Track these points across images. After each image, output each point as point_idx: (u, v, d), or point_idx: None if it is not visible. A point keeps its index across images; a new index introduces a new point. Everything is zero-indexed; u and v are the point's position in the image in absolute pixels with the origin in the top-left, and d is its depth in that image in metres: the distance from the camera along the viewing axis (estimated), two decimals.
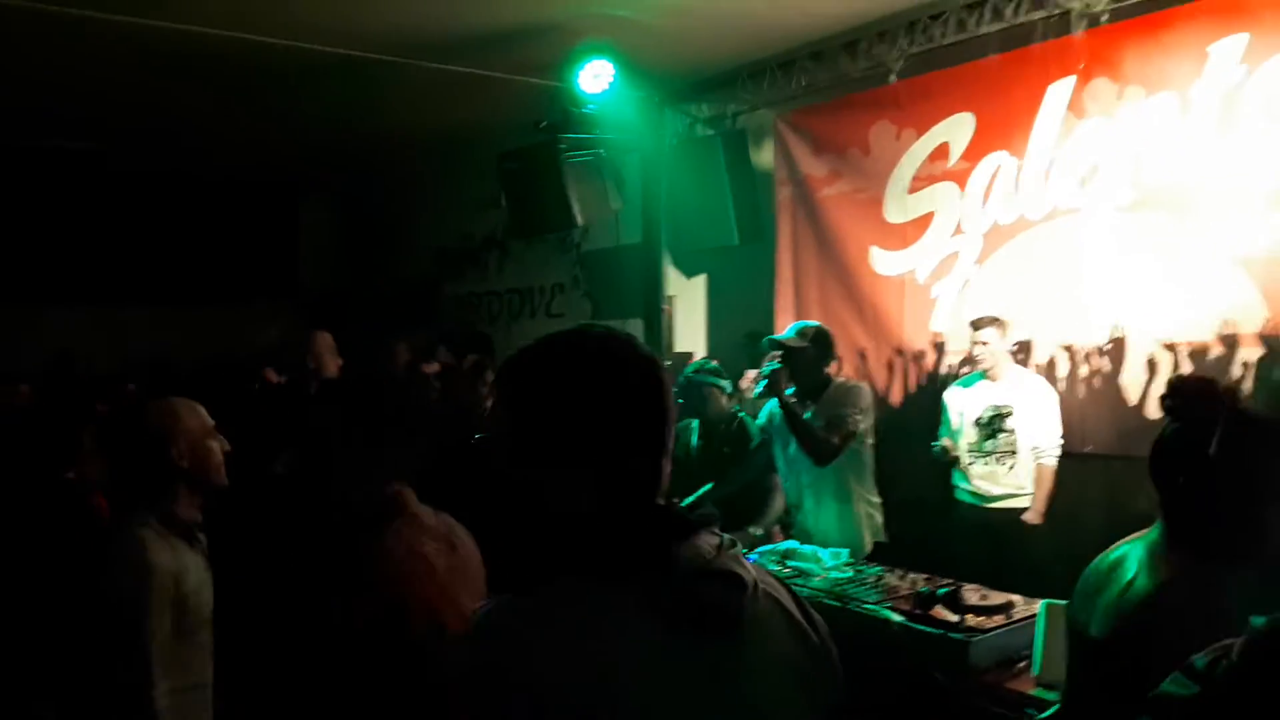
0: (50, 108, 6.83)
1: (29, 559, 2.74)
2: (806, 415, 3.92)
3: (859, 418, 3.88)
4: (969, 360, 4.79)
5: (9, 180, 8.06)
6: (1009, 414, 4.51)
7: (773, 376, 3.91)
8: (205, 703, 2.28)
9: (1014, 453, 4.52)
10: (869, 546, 3.96)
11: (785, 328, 5.87)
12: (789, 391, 3.91)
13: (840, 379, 4.14)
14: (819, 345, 4.04)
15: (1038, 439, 4.49)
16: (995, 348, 4.54)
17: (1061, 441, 4.52)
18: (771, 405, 4.09)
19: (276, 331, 6.24)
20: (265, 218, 10.16)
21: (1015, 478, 4.53)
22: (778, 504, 4.31)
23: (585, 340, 1.23)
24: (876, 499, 4.09)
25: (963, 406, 4.66)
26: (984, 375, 4.62)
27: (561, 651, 1.07)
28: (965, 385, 4.71)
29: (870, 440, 4.09)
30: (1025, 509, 4.50)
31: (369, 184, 9.92)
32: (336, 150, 8.52)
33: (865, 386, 4.15)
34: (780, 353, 3.96)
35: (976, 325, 4.59)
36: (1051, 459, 4.50)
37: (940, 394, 4.87)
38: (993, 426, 4.54)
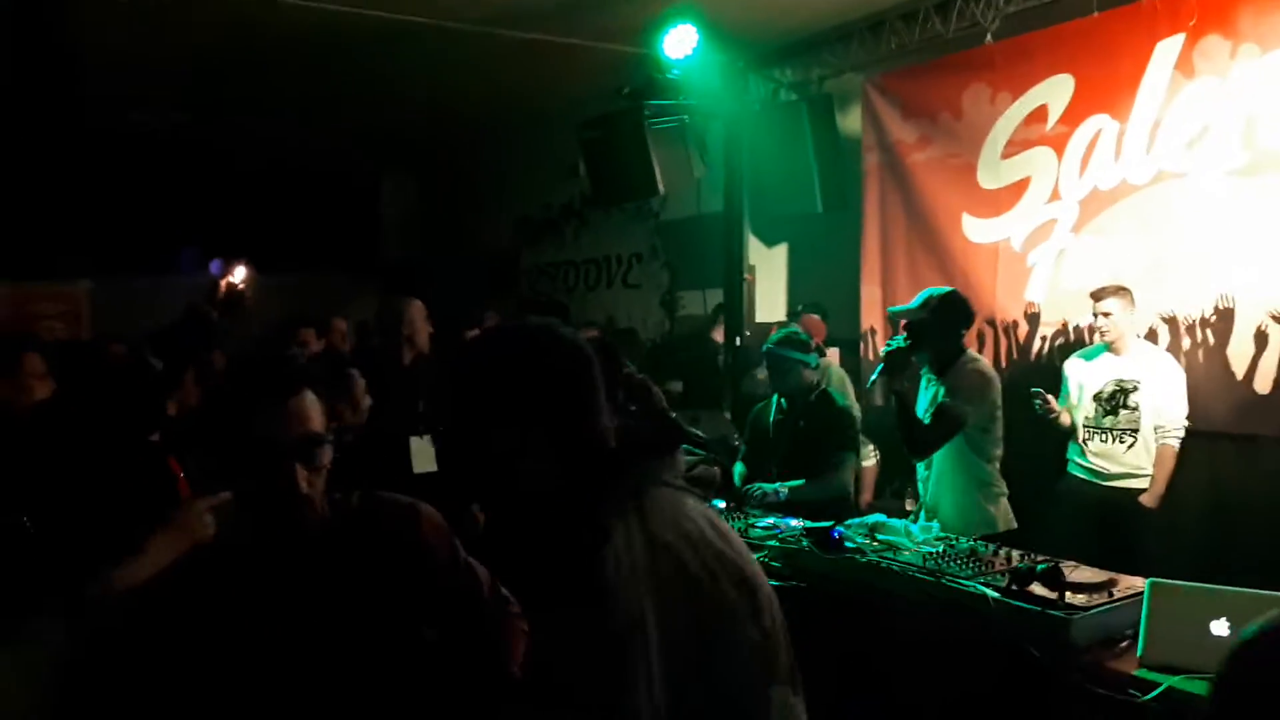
0: (140, 85, 7.00)
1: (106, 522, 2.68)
2: (932, 390, 3.84)
3: (968, 409, 3.72)
4: (1066, 331, 4.62)
5: (104, 158, 8.32)
6: (1134, 389, 4.24)
7: (890, 358, 3.79)
8: None
9: (1136, 431, 4.25)
10: (978, 532, 3.74)
11: (871, 298, 5.81)
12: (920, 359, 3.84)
13: (971, 357, 3.92)
14: (943, 314, 3.87)
15: (1162, 418, 4.22)
16: (1118, 319, 4.24)
17: (1187, 423, 4.25)
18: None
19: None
20: (348, 188, 10.32)
21: (1134, 457, 4.26)
22: (833, 480, 4.14)
23: (521, 328, 1.47)
24: (1000, 488, 3.91)
25: (1083, 378, 4.39)
26: (1108, 348, 4.34)
27: None
28: (1088, 358, 4.44)
29: (995, 428, 3.90)
30: (1142, 490, 4.24)
31: (450, 154, 10.00)
32: (418, 120, 8.59)
33: (987, 372, 3.91)
34: (905, 326, 3.87)
35: (1098, 296, 4.29)
36: (1175, 440, 4.23)
37: (1045, 364, 4.72)
38: (1115, 402, 4.28)
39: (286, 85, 7.14)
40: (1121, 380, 4.28)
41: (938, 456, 3.86)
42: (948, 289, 3.99)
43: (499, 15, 5.58)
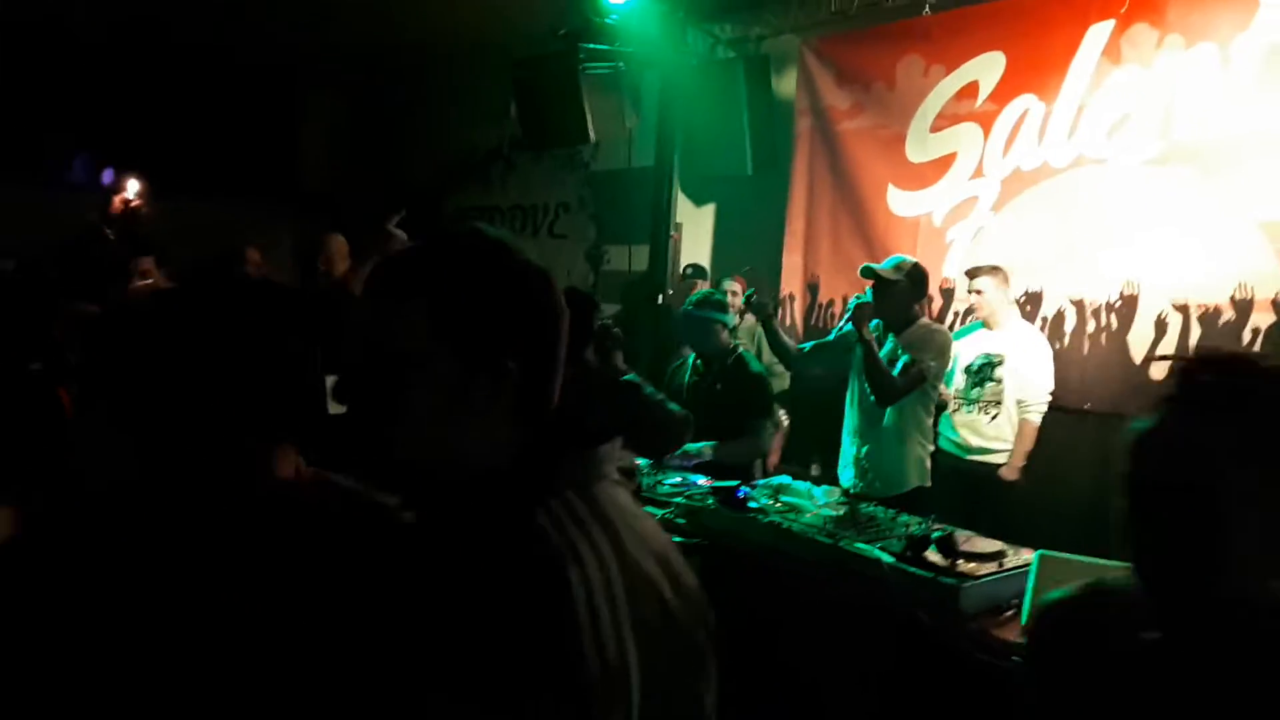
0: None
1: None
2: (886, 347, 3.90)
3: (932, 363, 3.82)
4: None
5: None
6: (999, 363, 4.41)
7: (859, 308, 3.86)
8: None
9: (999, 403, 4.42)
10: (911, 486, 3.95)
11: (792, 265, 5.83)
12: (873, 324, 3.88)
13: (924, 320, 4.05)
14: (913, 281, 3.95)
15: (1025, 392, 4.39)
16: (990, 297, 4.41)
17: (1049, 398, 4.44)
18: (847, 329, 4.06)
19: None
20: (268, 106, 9.86)
21: (996, 428, 4.43)
22: (752, 444, 4.25)
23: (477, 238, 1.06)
24: (930, 445, 4.06)
25: (959, 353, 4.51)
26: (982, 324, 4.51)
27: None
28: (965, 333, 4.60)
29: (939, 386, 4.06)
30: (1002, 464, 4.42)
31: (377, 85, 9.68)
32: (346, 47, 8.27)
33: (945, 332, 4.10)
34: (872, 282, 3.92)
35: (971, 274, 4.48)
36: (1036, 414, 4.41)
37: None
38: (982, 375, 4.44)
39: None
40: (989, 354, 4.42)
41: (897, 408, 3.94)
42: (914, 259, 4.06)
43: None
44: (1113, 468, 4.15)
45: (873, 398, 3.89)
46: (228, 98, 9.29)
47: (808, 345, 4.50)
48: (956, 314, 5.06)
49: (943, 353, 3.92)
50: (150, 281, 4.92)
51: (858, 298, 3.94)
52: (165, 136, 8.81)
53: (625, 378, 3.35)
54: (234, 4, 7.02)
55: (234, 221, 8.27)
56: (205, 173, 8.95)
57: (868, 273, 3.99)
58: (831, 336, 4.27)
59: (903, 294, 3.92)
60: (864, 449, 4.03)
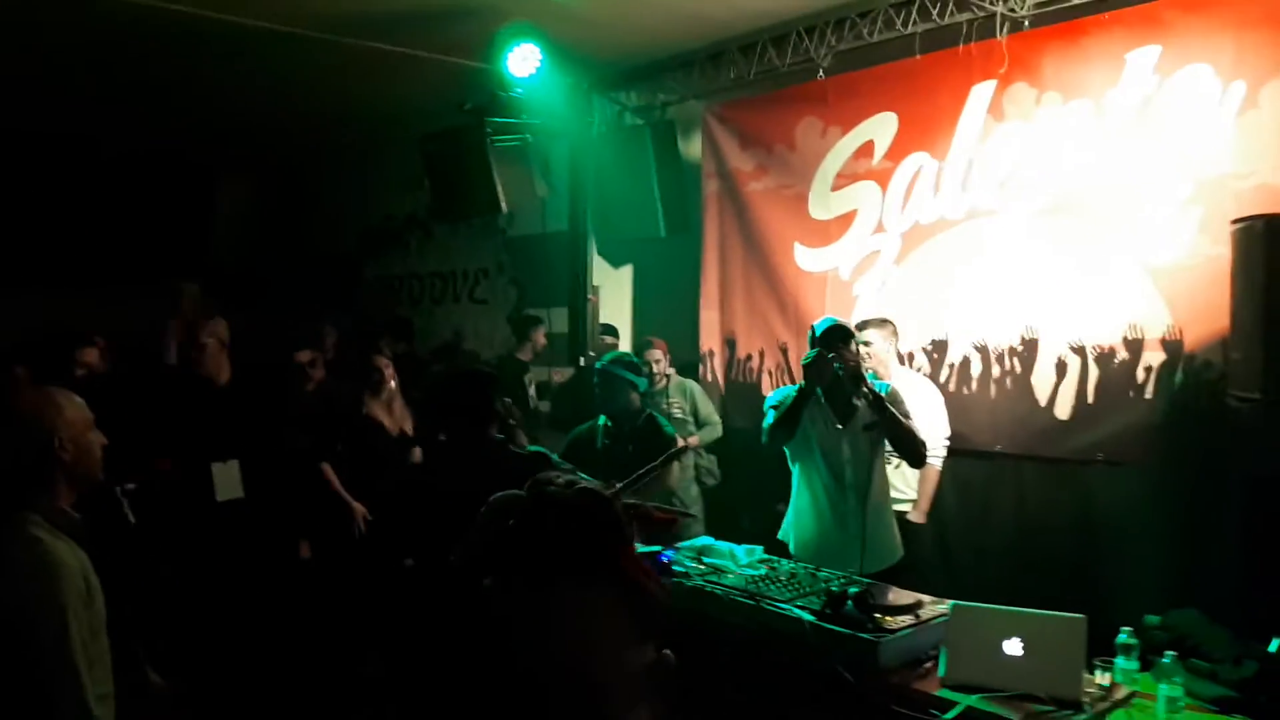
0: None
1: None
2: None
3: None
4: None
5: None
6: None
7: (853, 367, 3.76)
8: (112, 714, 2.17)
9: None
10: (902, 552, 3.95)
11: (709, 322, 5.93)
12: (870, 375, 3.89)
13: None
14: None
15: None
16: (879, 348, 4.54)
17: (948, 442, 4.57)
18: (786, 390, 3.98)
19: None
20: (179, 192, 9.76)
21: (900, 476, 4.47)
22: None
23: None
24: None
25: None
26: (874, 376, 4.57)
27: None
28: None
29: None
30: (908, 511, 4.50)
31: (290, 160, 9.64)
32: (256, 124, 8.23)
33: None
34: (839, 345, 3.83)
35: (860, 327, 4.53)
36: (936, 460, 4.50)
37: None
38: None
39: (108, 80, 6.72)
40: None
41: (874, 476, 3.87)
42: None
43: (340, 23, 5.42)
44: (1027, 507, 4.30)
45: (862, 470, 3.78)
46: (138, 183, 9.18)
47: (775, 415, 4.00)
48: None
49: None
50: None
51: (838, 366, 3.76)
52: (80, 226, 8.67)
53: (531, 448, 3.35)
54: (147, 92, 6.95)
55: (149, 306, 8.13)
56: (116, 260, 8.80)
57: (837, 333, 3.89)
58: (772, 400, 4.06)
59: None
60: (863, 526, 3.77)
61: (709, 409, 5.75)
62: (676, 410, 5.54)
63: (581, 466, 3.12)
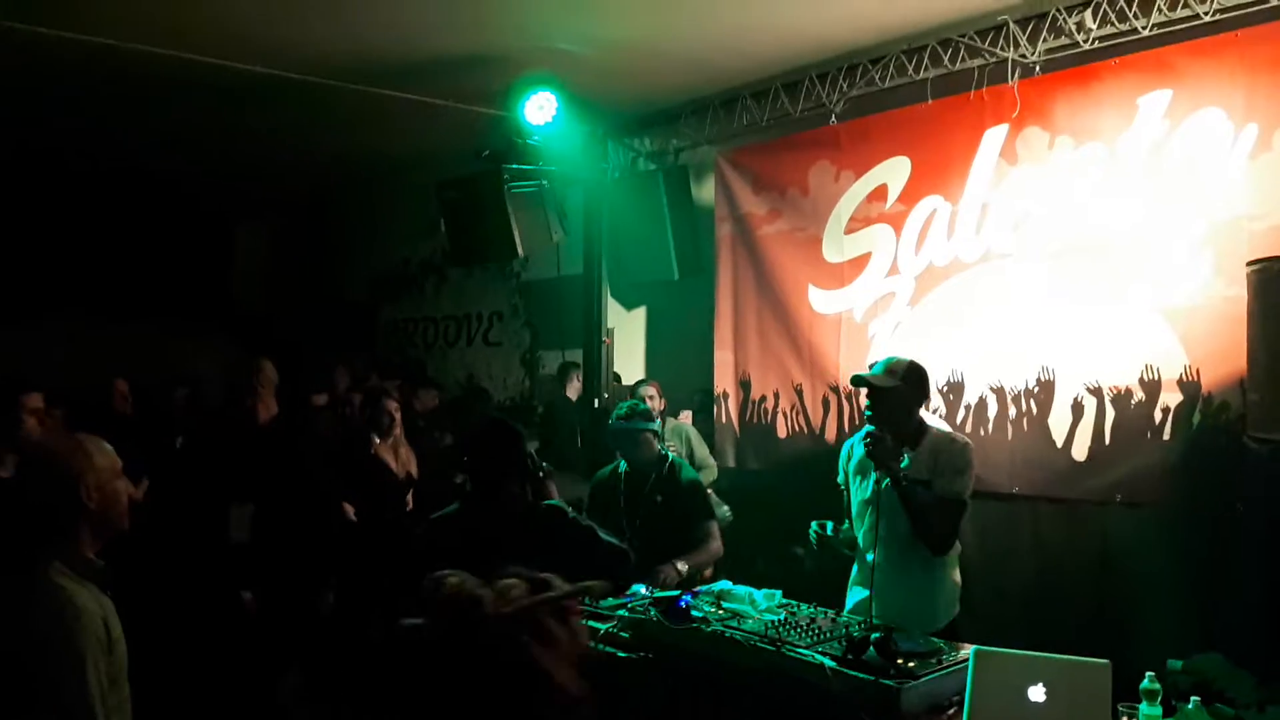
0: None
1: None
2: (903, 465, 3.39)
3: (969, 485, 3.42)
4: None
5: None
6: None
7: (876, 445, 3.34)
8: None
9: None
10: (944, 621, 3.48)
11: (724, 363, 5.95)
12: (905, 462, 3.38)
13: (940, 428, 3.62)
14: (910, 384, 3.48)
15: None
16: None
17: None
18: (853, 444, 3.61)
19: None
20: (199, 236, 9.93)
21: None
22: (712, 548, 4.14)
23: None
24: (958, 570, 3.61)
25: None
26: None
27: None
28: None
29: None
30: None
31: (308, 206, 9.78)
32: (276, 171, 8.39)
33: (967, 442, 3.56)
34: (867, 395, 3.49)
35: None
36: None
37: None
38: None
39: (133, 128, 6.86)
40: None
41: (897, 539, 3.45)
42: (908, 359, 3.57)
43: (359, 72, 5.54)
44: (1045, 549, 4.24)
45: (898, 529, 3.40)
46: (161, 227, 9.34)
47: (846, 524, 3.73)
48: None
49: (972, 468, 3.46)
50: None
51: (868, 435, 3.40)
52: (100, 265, 8.81)
53: (548, 502, 3.25)
54: (168, 137, 7.09)
55: (170, 345, 8.23)
56: (140, 301, 8.94)
57: (857, 382, 3.57)
58: (841, 477, 3.74)
59: (902, 401, 3.46)
60: (896, 586, 3.45)
61: (704, 452, 5.81)
62: (671, 453, 5.57)
63: (606, 514, 3.10)
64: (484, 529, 2.91)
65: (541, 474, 3.25)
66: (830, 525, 3.60)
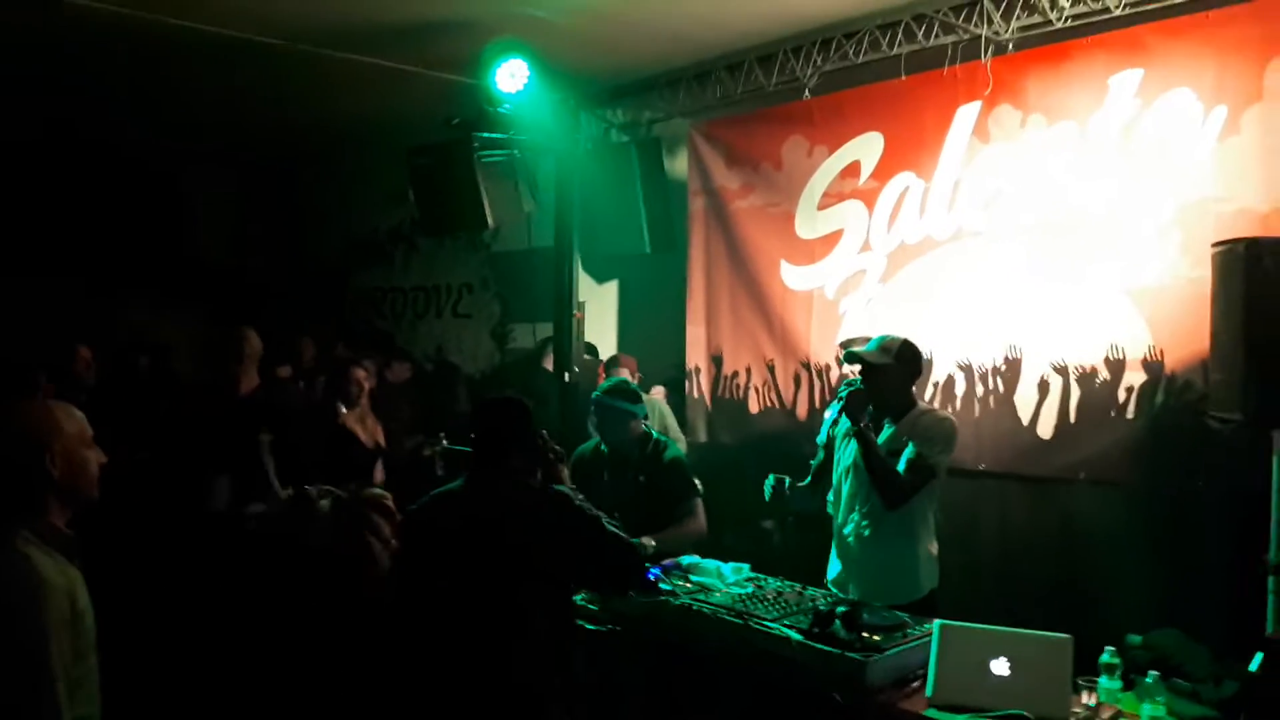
0: None
1: None
2: (883, 435, 3.55)
3: (941, 457, 3.49)
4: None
5: None
6: None
7: (851, 399, 3.48)
8: None
9: None
10: (924, 592, 3.55)
11: (695, 338, 5.94)
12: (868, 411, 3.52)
13: (926, 405, 3.72)
14: (903, 361, 3.57)
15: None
16: None
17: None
18: (837, 418, 3.67)
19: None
20: (162, 201, 9.70)
21: None
22: (693, 526, 4.05)
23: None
24: (936, 543, 3.67)
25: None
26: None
27: None
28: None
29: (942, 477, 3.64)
30: None
31: (278, 170, 9.62)
32: (243, 136, 8.23)
33: (951, 419, 3.69)
34: (859, 370, 3.58)
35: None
36: None
37: None
38: None
39: (104, 88, 6.69)
40: None
41: (873, 504, 3.56)
42: (901, 337, 3.66)
43: (329, 36, 5.43)
44: (1011, 526, 4.31)
45: (875, 498, 3.50)
46: (123, 188, 9.12)
47: (807, 479, 3.87)
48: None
49: (951, 443, 3.55)
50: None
51: (847, 384, 3.58)
52: (59, 230, 8.60)
53: (557, 488, 3.01)
54: (128, 95, 6.93)
55: (131, 312, 8.09)
56: (103, 265, 8.75)
57: (851, 358, 3.64)
58: (822, 437, 3.83)
59: (895, 378, 3.56)
60: (871, 556, 3.60)
61: (674, 425, 5.80)
62: (655, 431, 5.56)
63: (586, 493, 2.98)
64: (485, 510, 2.80)
65: (553, 456, 3.08)
66: (788, 480, 3.69)
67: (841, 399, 3.52)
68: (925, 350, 4.81)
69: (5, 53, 5.87)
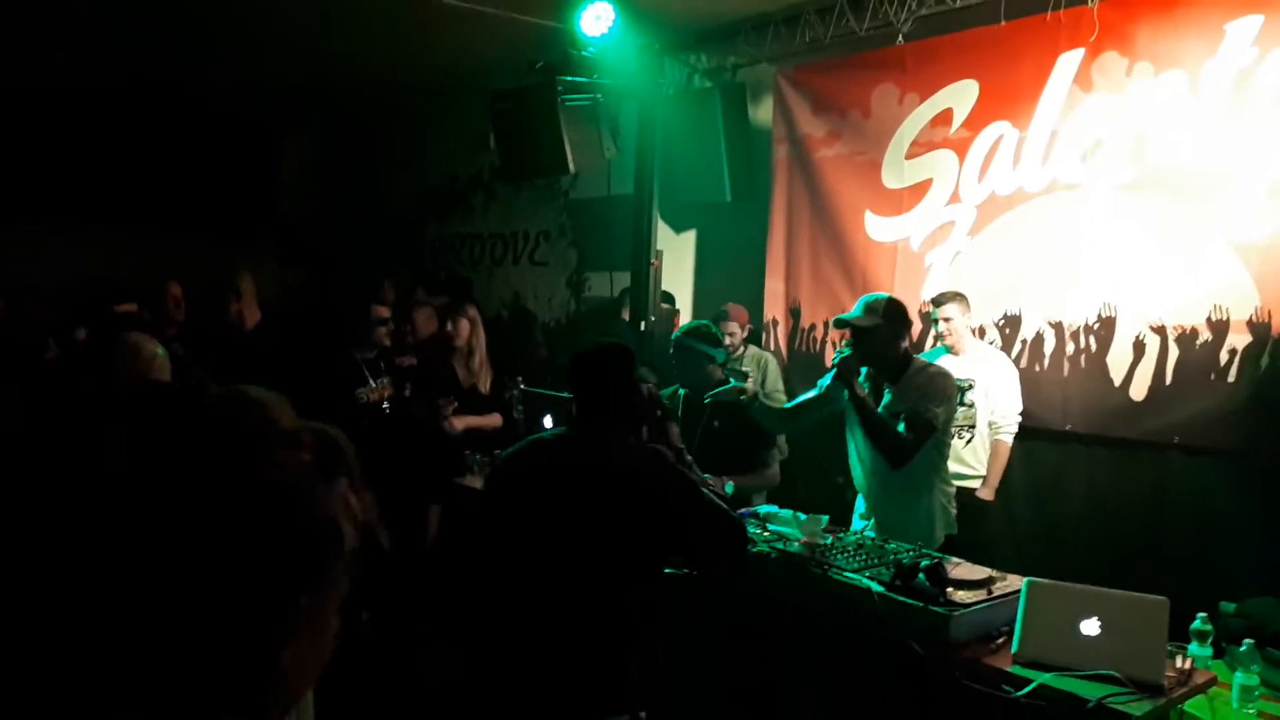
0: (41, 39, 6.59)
1: None
2: (884, 402, 3.64)
3: (939, 410, 3.55)
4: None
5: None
6: (969, 387, 4.50)
7: (843, 365, 3.58)
8: None
9: (972, 426, 4.53)
10: (939, 540, 3.64)
11: (774, 291, 5.86)
12: (861, 375, 3.62)
13: (919, 363, 3.77)
14: (891, 320, 3.65)
15: (996, 414, 4.54)
16: (957, 323, 4.55)
17: (1020, 418, 4.57)
18: (827, 382, 3.73)
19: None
20: (246, 148, 9.90)
21: (971, 452, 4.53)
22: (767, 474, 4.12)
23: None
24: (951, 488, 3.82)
25: None
26: (948, 350, 4.62)
27: None
28: (929, 359, 4.42)
29: (951, 430, 3.84)
30: (977, 488, 4.50)
31: (356, 119, 9.70)
32: (322, 83, 8.29)
33: (947, 374, 3.73)
34: (849, 334, 3.68)
35: (938, 301, 4.60)
36: (1008, 435, 4.56)
37: None
38: None
39: (181, 39, 6.80)
40: (959, 379, 4.30)
41: (882, 465, 3.67)
42: (885, 295, 3.81)
43: None
44: (1098, 489, 4.21)
45: (880, 458, 3.63)
46: (207, 138, 9.33)
47: (790, 403, 4.15)
48: (936, 336, 5.09)
49: (949, 398, 3.65)
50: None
51: (840, 353, 3.67)
52: (147, 180, 8.84)
53: (651, 446, 2.83)
54: (210, 44, 7.02)
55: (215, 258, 8.28)
56: (187, 213, 8.98)
57: (840, 324, 3.80)
58: (815, 392, 3.87)
59: (883, 338, 3.65)
60: (883, 508, 3.77)
61: (777, 384, 5.66)
62: (736, 380, 5.47)
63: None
64: (573, 463, 2.66)
65: (660, 414, 2.95)
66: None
67: (834, 367, 3.63)
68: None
69: (106, 8, 5.99)
